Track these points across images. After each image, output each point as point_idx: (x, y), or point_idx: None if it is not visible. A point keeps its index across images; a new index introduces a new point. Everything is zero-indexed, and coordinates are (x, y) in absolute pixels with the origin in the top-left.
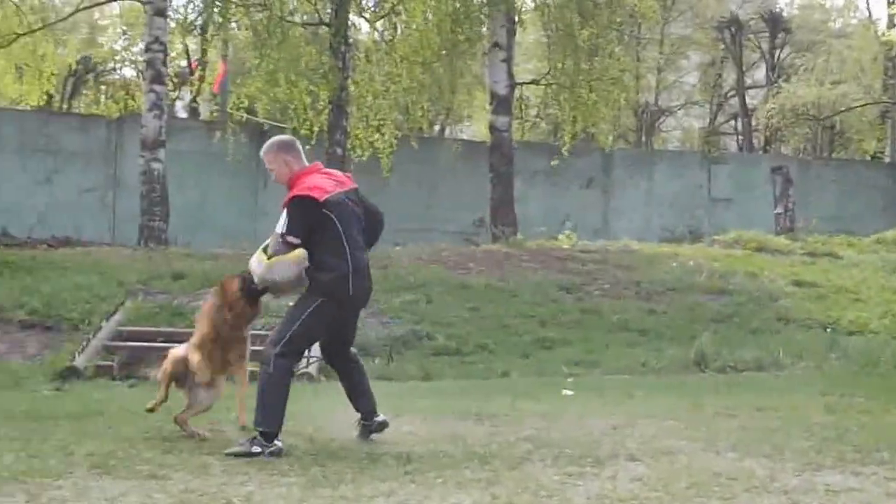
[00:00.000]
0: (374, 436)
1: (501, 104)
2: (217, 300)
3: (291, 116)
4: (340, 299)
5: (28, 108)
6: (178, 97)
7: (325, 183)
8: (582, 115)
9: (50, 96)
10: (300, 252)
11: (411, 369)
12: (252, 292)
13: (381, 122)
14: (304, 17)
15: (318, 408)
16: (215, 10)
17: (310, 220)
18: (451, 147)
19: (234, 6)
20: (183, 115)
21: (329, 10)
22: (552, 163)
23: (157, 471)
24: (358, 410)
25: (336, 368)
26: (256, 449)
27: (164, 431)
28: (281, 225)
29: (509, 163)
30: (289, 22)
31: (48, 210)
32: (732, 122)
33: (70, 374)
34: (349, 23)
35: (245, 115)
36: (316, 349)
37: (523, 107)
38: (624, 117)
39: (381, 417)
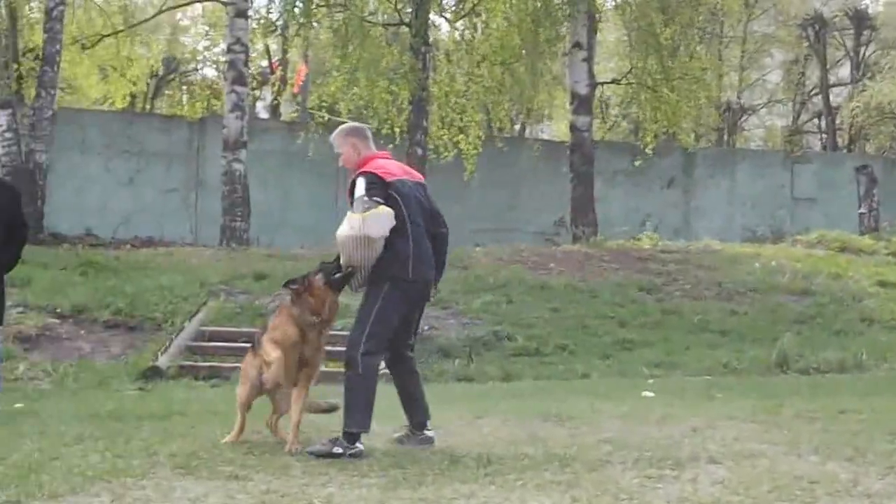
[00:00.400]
0: (433, 442)
1: (582, 104)
2: (298, 300)
3: (372, 116)
4: (402, 283)
5: (111, 109)
6: (259, 98)
7: (393, 168)
8: (663, 114)
9: (133, 97)
10: (388, 209)
11: (491, 370)
12: (336, 281)
13: (466, 123)
14: (385, 17)
15: (398, 409)
16: (296, 10)
17: (382, 191)
18: (531, 147)
19: (315, 6)
20: (264, 115)
21: (409, 10)
22: (636, 163)
23: (238, 471)
24: (409, 420)
25: (393, 372)
26: (338, 450)
27: (246, 432)
28: (360, 190)
29: (590, 163)
30: (369, 22)
31: (132, 211)
32: (816, 121)
33: (153, 374)
34: (429, 23)
35: (326, 115)
36: None
37: (604, 106)
38: (706, 116)
39: (429, 433)
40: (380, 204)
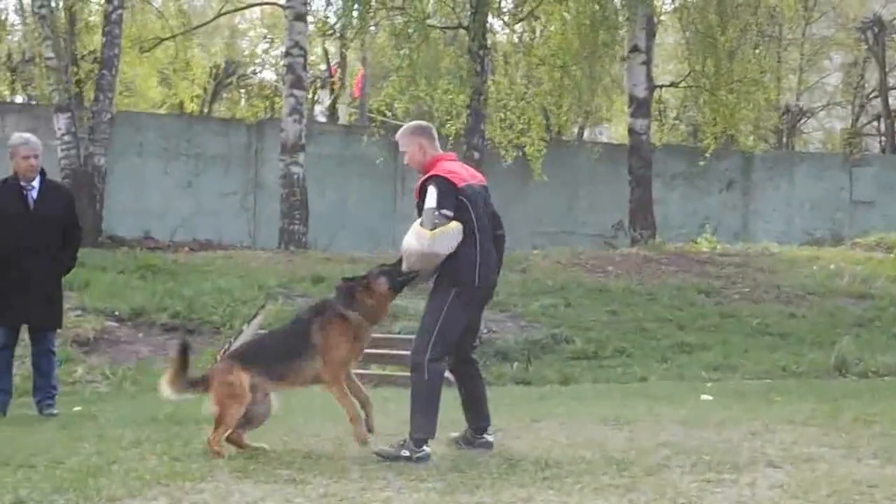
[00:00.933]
0: (491, 447)
1: (640, 107)
2: (351, 300)
3: (430, 119)
4: (469, 288)
5: (170, 112)
6: (317, 101)
7: (461, 171)
8: (722, 117)
9: (192, 100)
10: (457, 224)
11: (549, 373)
12: (398, 283)
13: (527, 125)
14: (443, 20)
15: (457, 412)
16: (354, 13)
17: (452, 200)
18: (590, 150)
19: (372, 9)
20: (322, 118)
21: (468, 13)
22: (700, 163)
23: (296, 475)
24: (468, 423)
25: (457, 375)
26: (405, 453)
27: (304, 436)
28: (431, 201)
29: (648, 166)
30: (428, 25)
31: (190, 214)
32: (875, 124)
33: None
34: (487, 25)
35: (384, 118)
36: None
37: (662, 109)
38: (765, 119)
39: (489, 438)
40: (449, 219)
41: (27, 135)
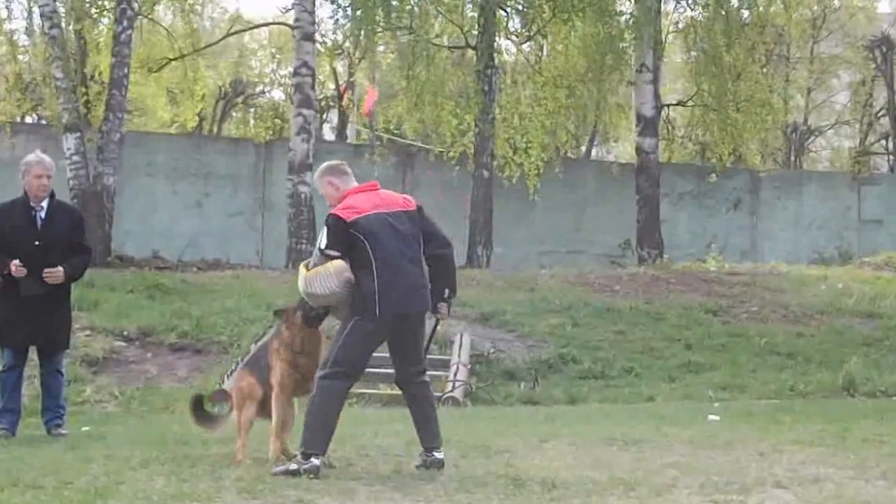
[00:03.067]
0: (442, 464)
1: (648, 126)
2: (285, 334)
3: (437, 139)
4: (367, 317)
5: (179, 132)
6: (325, 120)
7: (363, 203)
8: (730, 136)
9: (200, 120)
10: (338, 262)
11: (556, 393)
12: (311, 319)
13: (528, 145)
14: (450, 40)
15: (464, 433)
16: (361, 33)
17: (341, 237)
18: (596, 169)
19: (380, 30)
20: (330, 137)
21: (475, 33)
22: (709, 179)
23: (303, 496)
24: (420, 443)
25: (402, 390)
26: (293, 466)
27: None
28: (320, 240)
29: (656, 185)
30: (435, 45)
31: (198, 233)
32: (883, 142)
33: (219, 397)
34: (495, 45)
35: (392, 138)
36: (462, 373)
37: (670, 128)
38: (772, 138)
39: (439, 455)
40: (332, 258)
41: (43, 154)
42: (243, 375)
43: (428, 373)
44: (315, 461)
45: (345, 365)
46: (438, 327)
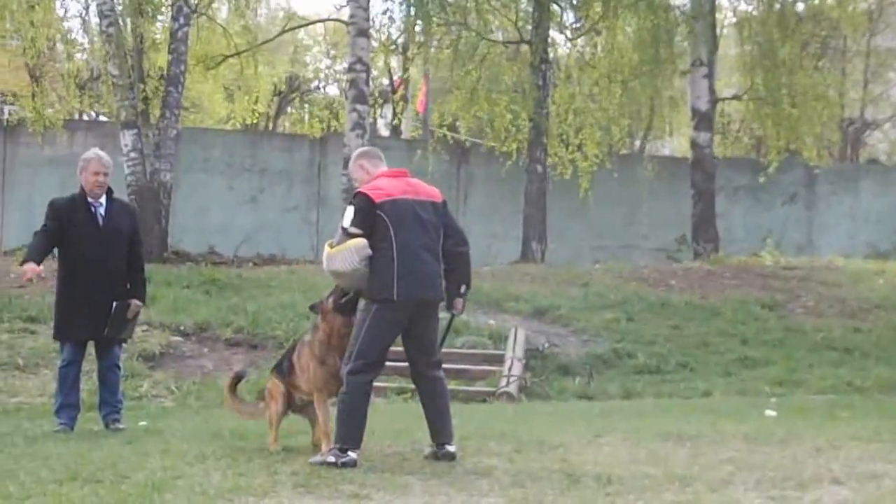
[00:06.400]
0: (454, 457)
1: (703, 120)
2: (321, 328)
3: (493, 134)
4: (387, 304)
5: (235, 129)
6: (380, 115)
7: (392, 187)
8: (785, 130)
9: (260, 116)
10: (359, 240)
11: (611, 388)
12: (344, 305)
13: (582, 141)
14: (505, 35)
15: (518, 428)
16: (416, 28)
17: (367, 216)
18: (651, 164)
19: (435, 25)
20: (385, 133)
21: (529, 28)
22: (762, 177)
23: (359, 490)
24: (431, 436)
25: (416, 385)
26: (331, 458)
27: (367, 451)
28: (345, 218)
29: (711, 179)
30: (489, 40)
31: (254, 229)
32: None
33: None
34: (549, 40)
35: (447, 133)
36: (517, 368)
37: (725, 122)
38: (828, 132)
39: (451, 449)
40: (354, 236)
41: (101, 152)
42: (271, 377)
43: (443, 366)
44: (352, 454)
45: (368, 357)
46: (453, 323)
